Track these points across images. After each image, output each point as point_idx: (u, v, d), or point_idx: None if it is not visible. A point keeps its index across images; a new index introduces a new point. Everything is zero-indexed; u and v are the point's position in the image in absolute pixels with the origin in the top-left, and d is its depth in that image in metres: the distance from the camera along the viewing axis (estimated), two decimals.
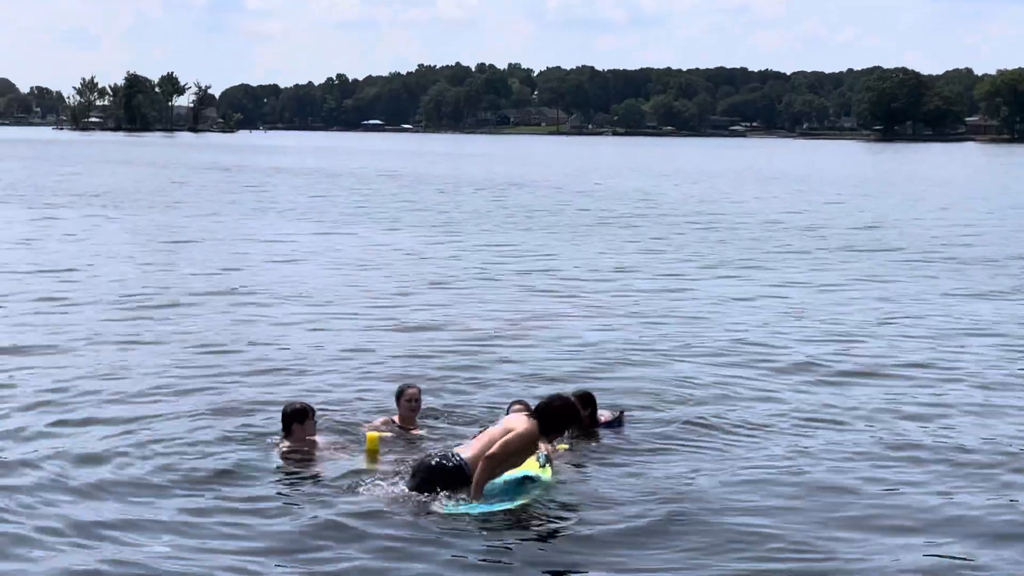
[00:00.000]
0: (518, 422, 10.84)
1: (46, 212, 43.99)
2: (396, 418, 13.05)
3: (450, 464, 10.68)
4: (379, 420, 13.10)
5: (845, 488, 11.43)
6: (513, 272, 27.99)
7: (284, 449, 12.04)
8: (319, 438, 12.28)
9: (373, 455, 12.03)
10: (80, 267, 27.47)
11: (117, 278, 25.62)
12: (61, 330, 19.11)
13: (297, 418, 12.13)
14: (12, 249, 31.33)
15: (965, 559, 9.67)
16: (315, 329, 19.66)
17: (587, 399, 13.24)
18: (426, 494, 10.49)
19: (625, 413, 13.79)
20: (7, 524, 9.98)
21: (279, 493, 10.95)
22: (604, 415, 13.47)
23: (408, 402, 12.98)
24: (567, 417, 11.04)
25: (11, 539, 9.67)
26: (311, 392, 14.61)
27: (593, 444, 12.85)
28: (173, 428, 13.08)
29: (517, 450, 10.65)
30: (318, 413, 12.61)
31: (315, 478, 11.34)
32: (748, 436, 13.32)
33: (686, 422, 13.81)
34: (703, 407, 14.57)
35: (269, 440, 12.37)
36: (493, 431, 10.89)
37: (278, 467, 11.68)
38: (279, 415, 12.46)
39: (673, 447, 12.84)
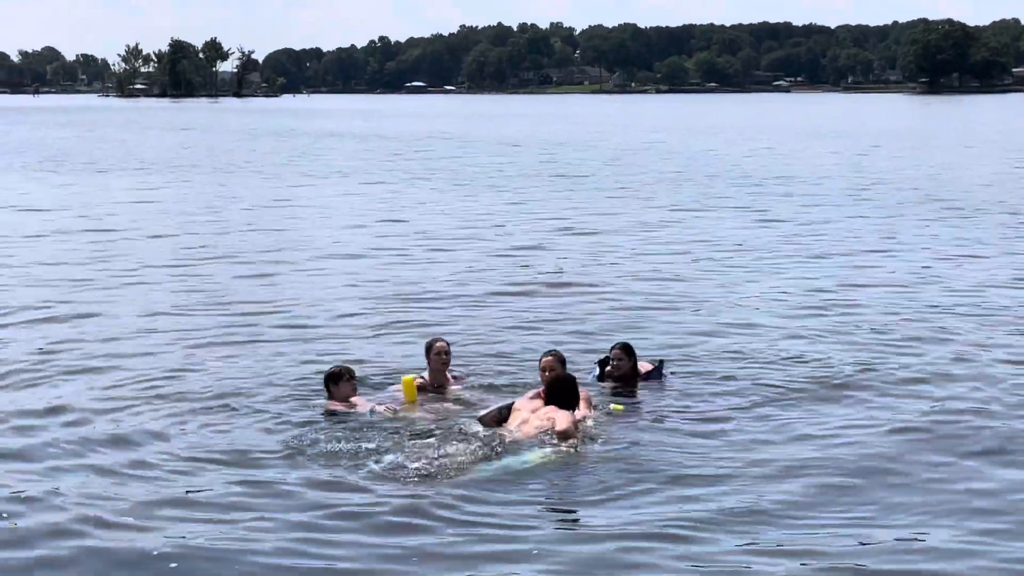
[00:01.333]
0: (561, 418, 11.43)
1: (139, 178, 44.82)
2: (427, 373, 13.38)
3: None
4: (408, 377, 13.24)
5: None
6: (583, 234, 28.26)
7: (323, 411, 12.44)
8: (359, 399, 12.58)
9: (411, 395, 12.48)
10: (173, 232, 28.36)
11: (203, 243, 26.33)
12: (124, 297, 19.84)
13: (332, 380, 12.56)
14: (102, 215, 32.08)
15: None
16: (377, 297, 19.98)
17: (628, 350, 13.76)
18: (454, 458, 10.80)
19: (665, 362, 14.15)
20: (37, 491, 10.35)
21: (305, 456, 11.15)
22: (644, 365, 13.89)
23: (438, 355, 13.23)
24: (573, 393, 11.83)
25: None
26: (359, 354, 15.09)
27: (639, 401, 13.16)
28: (220, 388, 13.59)
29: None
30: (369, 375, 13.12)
31: (345, 439, 11.50)
32: (792, 395, 13.44)
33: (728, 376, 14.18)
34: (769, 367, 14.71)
35: (314, 403, 12.74)
36: (536, 417, 11.47)
37: (314, 428, 11.93)
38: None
39: (713, 401, 13.17)
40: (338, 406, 12.40)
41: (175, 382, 13.95)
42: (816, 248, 25.22)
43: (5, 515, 9.71)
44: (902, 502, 10.12)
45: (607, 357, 13.87)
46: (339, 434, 11.59)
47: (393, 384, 13.32)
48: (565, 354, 13.08)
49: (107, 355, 15.33)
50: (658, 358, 14.25)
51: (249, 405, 12.82)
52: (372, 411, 12.36)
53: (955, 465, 11.06)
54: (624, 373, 13.66)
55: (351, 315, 18.05)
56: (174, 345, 15.90)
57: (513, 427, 11.43)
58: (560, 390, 11.79)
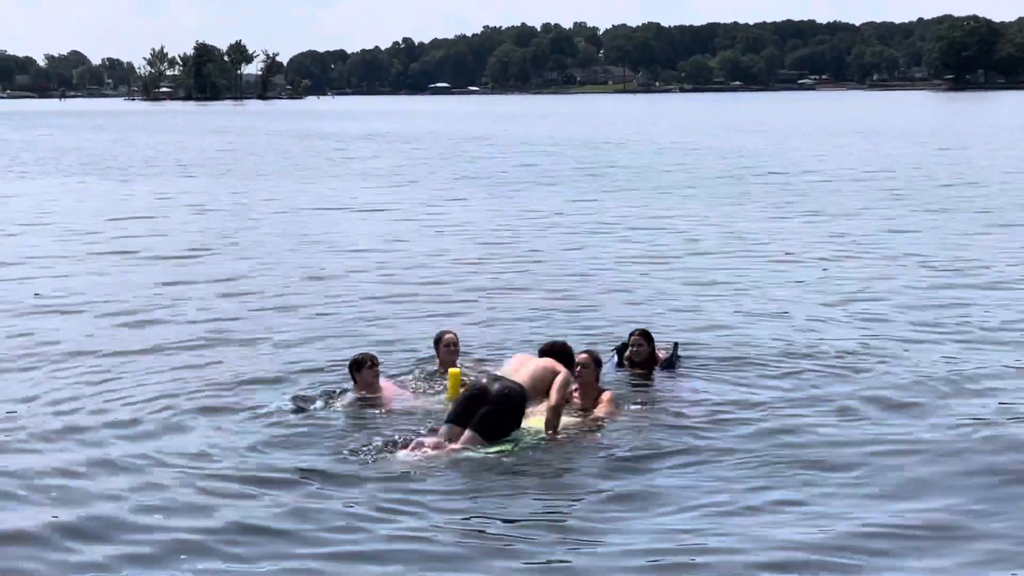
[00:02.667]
0: (558, 368, 11.60)
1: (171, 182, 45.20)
2: (437, 364, 13.66)
3: (516, 389, 11.24)
4: (457, 369, 13.54)
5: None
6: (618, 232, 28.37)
7: (347, 399, 12.62)
8: (384, 384, 12.80)
9: (454, 389, 12.61)
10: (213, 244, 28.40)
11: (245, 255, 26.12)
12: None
13: (355, 367, 12.72)
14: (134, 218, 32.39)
15: None
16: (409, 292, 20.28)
17: (647, 335, 14.02)
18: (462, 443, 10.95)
19: (679, 345, 14.37)
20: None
21: (322, 441, 11.44)
22: (660, 352, 14.14)
23: (447, 347, 13.55)
24: (569, 359, 12.05)
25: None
26: (386, 345, 15.37)
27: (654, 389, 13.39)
28: (246, 377, 13.96)
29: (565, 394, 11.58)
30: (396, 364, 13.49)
31: (365, 427, 11.80)
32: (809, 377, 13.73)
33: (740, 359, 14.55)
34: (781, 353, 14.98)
35: (338, 388, 12.98)
36: (534, 366, 11.59)
37: (335, 414, 12.26)
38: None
39: (724, 380, 13.51)
40: (361, 392, 12.62)
41: (213, 368, 14.44)
42: None
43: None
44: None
45: (624, 344, 14.10)
46: (348, 422, 11.93)
47: (408, 373, 13.69)
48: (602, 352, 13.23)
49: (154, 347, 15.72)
50: (671, 341, 14.46)
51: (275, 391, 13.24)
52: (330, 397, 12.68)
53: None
54: (643, 359, 13.89)
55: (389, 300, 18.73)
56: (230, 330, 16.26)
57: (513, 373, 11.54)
58: (556, 352, 12.02)
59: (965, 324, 16.82)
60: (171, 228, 29.91)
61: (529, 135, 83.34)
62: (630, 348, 13.95)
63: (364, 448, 10.98)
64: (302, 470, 10.50)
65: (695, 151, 61.39)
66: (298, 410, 12.32)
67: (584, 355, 12.30)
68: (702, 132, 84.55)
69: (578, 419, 11.83)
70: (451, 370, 12.93)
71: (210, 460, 10.89)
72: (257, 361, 14.82)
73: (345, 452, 10.95)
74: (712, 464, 10.74)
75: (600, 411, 11.96)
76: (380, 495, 9.95)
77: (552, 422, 11.35)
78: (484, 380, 11.40)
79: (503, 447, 10.95)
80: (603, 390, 12.29)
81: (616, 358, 14.06)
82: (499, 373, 11.59)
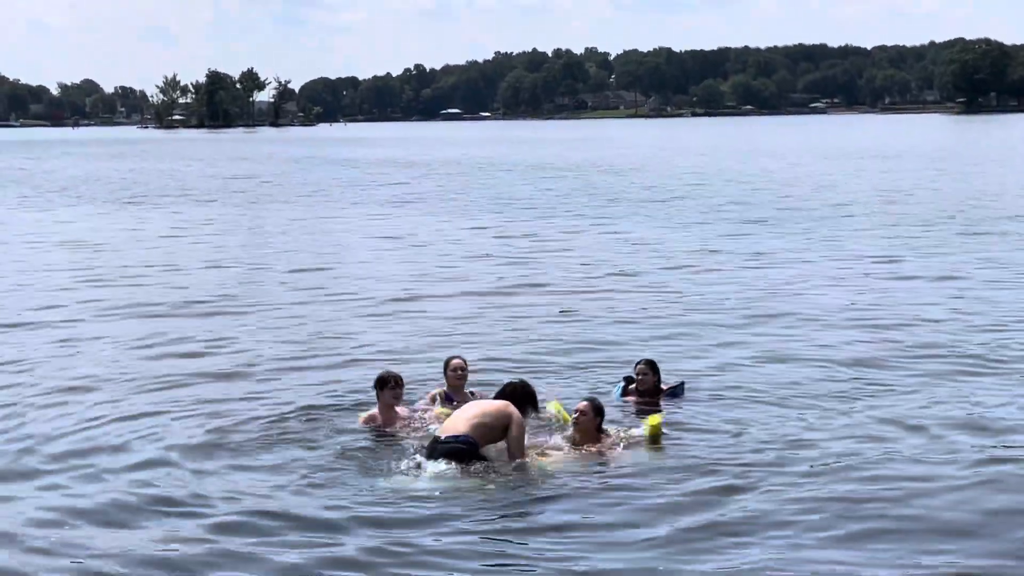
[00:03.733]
0: (509, 411, 11.68)
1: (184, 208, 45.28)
2: (445, 388, 13.95)
3: (464, 445, 11.41)
4: (432, 392, 13.99)
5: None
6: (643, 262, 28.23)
7: (365, 415, 13.17)
8: (403, 408, 13.21)
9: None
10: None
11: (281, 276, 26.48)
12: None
13: (378, 384, 13.09)
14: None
15: None
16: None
17: (652, 365, 14.31)
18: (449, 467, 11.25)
19: (685, 384, 14.55)
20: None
21: (328, 453, 12.04)
22: (665, 383, 14.40)
23: (454, 372, 13.92)
24: (533, 399, 12.18)
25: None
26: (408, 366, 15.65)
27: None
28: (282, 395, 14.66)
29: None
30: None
31: (371, 446, 12.38)
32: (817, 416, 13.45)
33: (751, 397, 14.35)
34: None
35: (361, 409, 13.53)
36: (480, 410, 11.73)
37: (351, 430, 12.86)
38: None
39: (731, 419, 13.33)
40: (380, 410, 13.07)
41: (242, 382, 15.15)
42: None
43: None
44: None
45: (631, 376, 14.41)
46: (363, 441, 12.50)
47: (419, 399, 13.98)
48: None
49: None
50: (681, 379, 14.67)
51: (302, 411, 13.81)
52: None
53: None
54: (648, 388, 14.15)
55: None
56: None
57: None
58: (509, 394, 12.05)
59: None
60: (230, 257, 30.03)
61: (591, 159, 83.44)
62: (636, 376, 14.30)
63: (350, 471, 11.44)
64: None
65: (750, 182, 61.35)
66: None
67: (585, 403, 12.37)
68: (739, 158, 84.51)
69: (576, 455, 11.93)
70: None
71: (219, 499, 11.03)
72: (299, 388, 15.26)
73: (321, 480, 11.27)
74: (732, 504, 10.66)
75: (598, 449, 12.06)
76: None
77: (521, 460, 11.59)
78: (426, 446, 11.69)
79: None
80: (604, 434, 12.30)
81: (622, 387, 14.42)
82: (453, 417, 11.86)
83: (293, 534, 9.91)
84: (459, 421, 11.56)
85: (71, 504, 10.78)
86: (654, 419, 12.53)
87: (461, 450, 11.28)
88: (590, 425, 12.14)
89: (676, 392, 14.31)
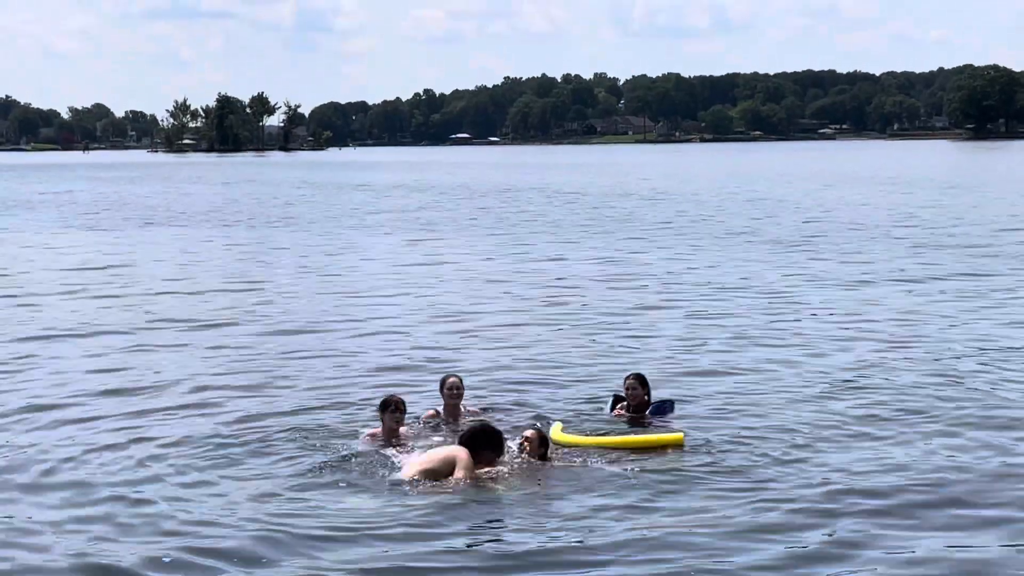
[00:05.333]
0: (454, 455, 11.96)
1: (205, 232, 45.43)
2: (441, 408, 14.24)
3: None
4: (428, 412, 14.26)
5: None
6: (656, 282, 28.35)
7: (367, 435, 13.44)
8: (405, 430, 13.49)
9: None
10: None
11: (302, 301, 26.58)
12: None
13: (381, 408, 13.43)
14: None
15: None
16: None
17: (642, 380, 14.48)
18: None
19: (675, 403, 14.68)
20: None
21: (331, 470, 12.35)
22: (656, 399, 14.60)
23: (449, 391, 14.17)
24: (494, 442, 12.26)
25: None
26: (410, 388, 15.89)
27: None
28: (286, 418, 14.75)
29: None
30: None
31: (365, 464, 12.53)
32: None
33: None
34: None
35: (367, 426, 13.79)
36: (431, 459, 12.02)
37: (350, 450, 13.07)
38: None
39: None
40: (382, 433, 13.34)
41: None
42: None
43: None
44: None
45: (618, 396, 14.59)
46: (360, 459, 12.70)
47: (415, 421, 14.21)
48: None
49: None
50: (669, 398, 14.76)
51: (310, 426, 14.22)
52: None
53: None
54: (638, 402, 14.28)
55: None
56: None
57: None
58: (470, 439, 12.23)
59: None
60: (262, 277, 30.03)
61: (613, 185, 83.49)
62: (626, 392, 14.48)
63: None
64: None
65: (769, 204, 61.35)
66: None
67: (531, 432, 12.68)
68: (762, 182, 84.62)
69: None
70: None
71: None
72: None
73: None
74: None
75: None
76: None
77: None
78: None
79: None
80: (548, 462, 12.47)
81: (611, 403, 14.59)
82: (407, 461, 12.21)
83: (286, 546, 10.21)
84: (411, 467, 11.97)
85: (63, 514, 11.15)
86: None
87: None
88: (535, 454, 12.45)
89: (663, 409, 14.34)
